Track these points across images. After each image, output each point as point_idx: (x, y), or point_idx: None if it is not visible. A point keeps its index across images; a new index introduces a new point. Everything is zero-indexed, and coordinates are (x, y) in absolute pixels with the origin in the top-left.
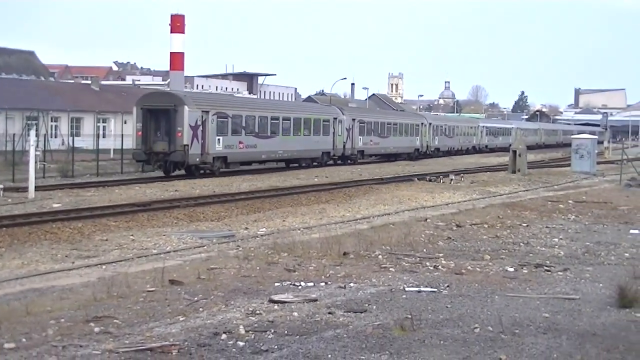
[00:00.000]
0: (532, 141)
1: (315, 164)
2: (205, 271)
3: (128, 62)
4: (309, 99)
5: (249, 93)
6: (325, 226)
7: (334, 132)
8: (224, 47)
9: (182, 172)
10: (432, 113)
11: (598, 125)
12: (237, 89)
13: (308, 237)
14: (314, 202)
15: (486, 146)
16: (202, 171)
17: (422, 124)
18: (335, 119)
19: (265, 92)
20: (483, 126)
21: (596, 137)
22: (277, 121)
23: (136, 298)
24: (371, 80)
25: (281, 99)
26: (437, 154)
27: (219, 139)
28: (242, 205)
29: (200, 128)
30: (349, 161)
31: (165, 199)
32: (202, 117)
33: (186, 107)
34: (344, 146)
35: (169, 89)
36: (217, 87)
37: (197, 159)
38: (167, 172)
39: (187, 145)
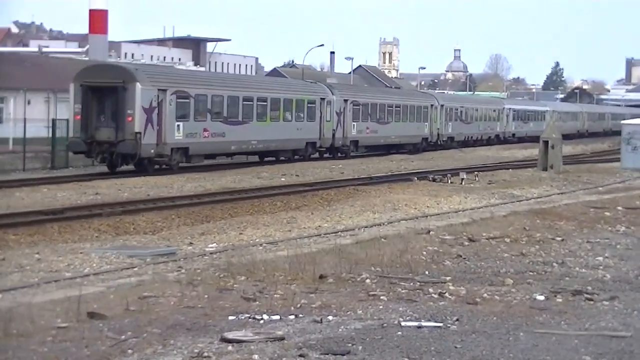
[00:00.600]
0: (572, 128)
1: (297, 157)
2: (136, 301)
3: (32, 23)
4: (275, 72)
5: (195, 64)
6: (296, 240)
7: (321, 117)
8: (161, 4)
9: (132, 167)
10: (438, 91)
11: None
12: (179, 59)
13: (273, 255)
14: (281, 208)
15: (513, 134)
16: (157, 166)
17: (431, 105)
18: (322, 99)
19: (216, 62)
20: (509, 108)
21: None
22: (251, 103)
23: (43, 337)
24: (357, 48)
25: (239, 71)
26: (450, 144)
27: (178, 126)
28: (185, 213)
29: (156, 111)
30: (339, 154)
31: (83, 205)
32: (158, 97)
33: (138, 85)
34: (334, 135)
35: (116, 62)
36: (152, 55)
37: (152, 151)
38: (112, 167)
39: (140, 133)
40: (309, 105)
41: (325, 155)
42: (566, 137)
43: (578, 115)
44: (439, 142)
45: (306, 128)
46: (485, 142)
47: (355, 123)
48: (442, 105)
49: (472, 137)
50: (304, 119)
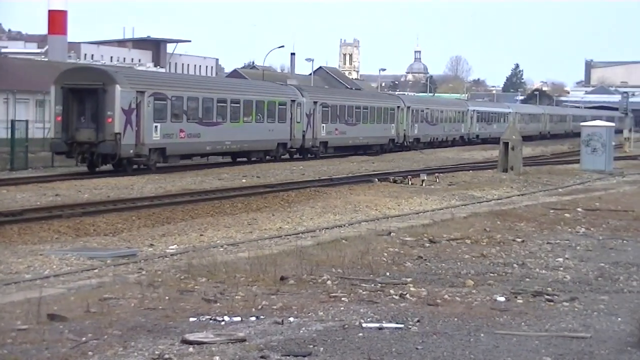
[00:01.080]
0: (535, 129)
1: (268, 157)
2: (97, 302)
3: None
4: (235, 73)
5: (155, 65)
6: (257, 242)
7: (291, 119)
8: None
9: (111, 167)
10: (398, 92)
11: (616, 109)
12: (139, 60)
13: (234, 257)
14: (242, 210)
15: (477, 136)
16: (135, 166)
17: (398, 107)
18: (293, 101)
19: (176, 64)
20: (473, 110)
21: (613, 124)
22: (225, 104)
23: (2, 339)
24: (317, 50)
25: (199, 72)
26: (416, 145)
27: (156, 127)
28: (145, 214)
29: (135, 112)
30: (309, 155)
31: (42, 207)
32: (136, 98)
33: (118, 87)
34: (304, 136)
35: (98, 64)
36: (111, 56)
37: (131, 151)
38: (92, 167)
39: (119, 133)
40: (280, 107)
41: (295, 156)
42: (528, 138)
43: (540, 117)
44: (405, 144)
45: (277, 129)
46: (450, 143)
47: (324, 124)
48: (408, 107)
49: (437, 138)
50: (276, 120)
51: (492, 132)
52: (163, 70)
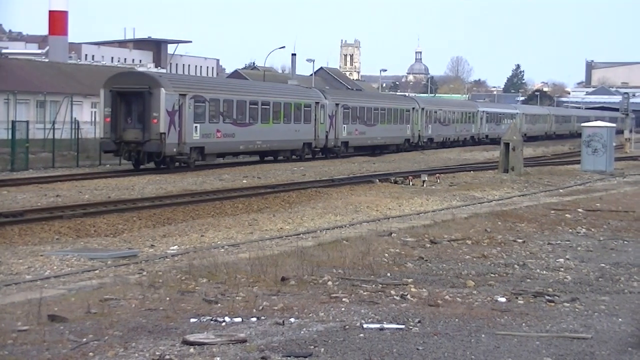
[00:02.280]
0: (541, 130)
1: (294, 157)
2: (98, 303)
3: None
4: (236, 74)
5: (156, 66)
6: (258, 243)
7: (315, 120)
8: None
9: (153, 165)
10: (399, 93)
11: (617, 110)
12: (140, 61)
13: (234, 258)
14: (243, 210)
15: (486, 136)
16: (177, 164)
17: (413, 109)
18: (317, 103)
19: (177, 64)
20: (483, 111)
21: (614, 125)
22: (256, 106)
23: (3, 340)
24: (318, 50)
25: (200, 73)
26: (430, 145)
27: (196, 127)
28: (146, 215)
29: (177, 114)
30: (330, 155)
31: (43, 207)
32: (179, 101)
33: (163, 90)
34: (327, 136)
35: (144, 69)
36: (112, 57)
37: (174, 150)
38: (137, 164)
39: (164, 133)
40: (305, 109)
41: (317, 157)
42: (534, 138)
43: (546, 118)
44: (419, 143)
45: (303, 130)
46: (461, 143)
47: (345, 125)
48: (422, 109)
49: (449, 138)
50: (301, 121)
51: (501, 133)
52: (164, 70)
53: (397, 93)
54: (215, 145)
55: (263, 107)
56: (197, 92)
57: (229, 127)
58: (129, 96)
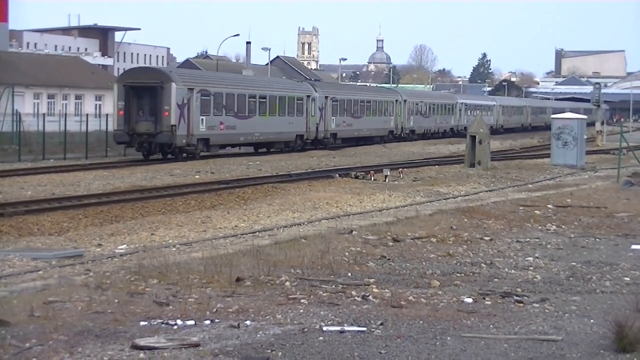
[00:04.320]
0: (517, 122)
1: (287, 149)
2: (42, 306)
3: None
4: (188, 63)
5: (103, 55)
6: (211, 241)
7: (307, 112)
8: None
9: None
10: (359, 83)
11: (587, 101)
12: (86, 49)
13: (187, 257)
14: (195, 207)
15: (465, 127)
16: (184, 154)
17: (396, 101)
18: (308, 96)
19: (125, 53)
20: (462, 103)
21: (585, 117)
22: (254, 100)
23: None
24: (274, 38)
25: (149, 62)
26: (411, 137)
27: (202, 119)
28: (93, 212)
29: (186, 107)
30: (320, 146)
31: None
32: (187, 95)
33: (174, 84)
34: (317, 128)
35: (155, 65)
36: (56, 45)
37: (184, 141)
38: (148, 155)
39: (175, 125)
40: (297, 102)
41: (306, 148)
42: (511, 130)
43: (522, 110)
44: (402, 135)
45: (296, 122)
46: (441, 134)
47: (334, 117)
48: (405, 100)
49: (430, 130)
50: (295, 114)
51: None
52: (110, 59)
53: (358, 83)
54: (219, 137)
55: (261, 100)
56: (203, 86)
57: (231, 119)
58: (142, 90)
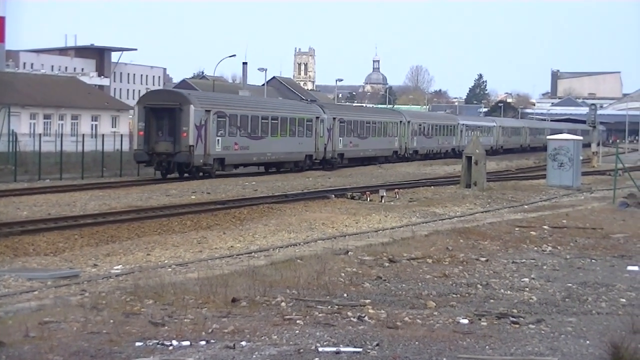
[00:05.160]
0: (516, 142)
1: (297, 168)
2: (37, 326)
3: None
4: (184, 83)
5: (99, 75)
6: (207, 262)
7: (316, 133)
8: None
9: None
10: (355, 104)
11: (583, 122)
12: (82, 69)
13: (182, 277)
14: (191, 228)
15: None
16: (201, 173)
17: (400, 122)
18: (317, 118)
19: (121, 73)
20: (463, 124)
21: (581, 137)
22: (267, 121)
23: None
24: (271, 59)
25: (145, 82)
26: (414, 157)
27: (218, 140)
28: (89, 232)
29: (204, 128)
30: (328, 166)
31: None
32: (205, 116)
33: (192, 106)
34: (325, 149)
35: (176, 89)
36: (52, 65)
37: (201, 161)
38: (166, 174)
39: (193, 145)
40: (307, 123)
41: (313, 167)
42: (510, 150)
43: (521, 131)
44: (405, 155)
45: (305, 143)
46: (443, 155)
47: (341, 138)
48: (408, 122)
49: (432, 150)
50: (304, 135)
51: None
52: (107, 80)
53: (354, 104)
54: (233, 157)
55: (273, 121)
56: (219, 108)
57: (245, 140)
58: (161, 112)
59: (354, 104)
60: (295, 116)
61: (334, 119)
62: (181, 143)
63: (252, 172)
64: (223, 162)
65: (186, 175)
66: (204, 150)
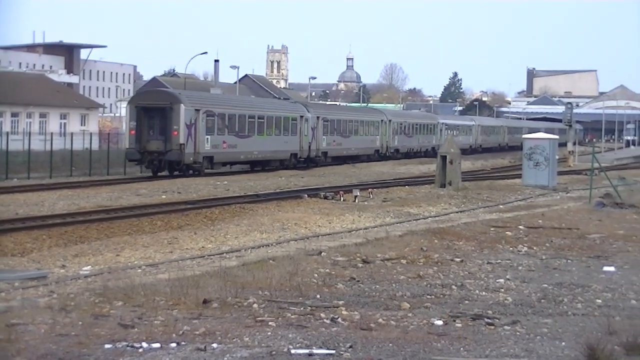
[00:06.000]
0: (495, 141)
1: (282, 167)
2: (4, 328)
3: None
4: (155, 81)
5: (68, 72)
6: (178, 263)
7: (300, 132)
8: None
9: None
10: (329, 102)
11: (559, 121)
12: (51, 67)
13: (153, 279)
14: (161, 228)
15: None
16: (191, 171)
17: (382, 121)
18: (301, 117)
19: (91, 70)
20: (443, 123)
21: (557, 137)
22: (253, 120)
23: None
24: (243, 57)
25: (115, 80)
26: (396, 155)
27: (207, 138)
28: (57, 233)
29: (194, 127)
30: (312, 164)
31: None
32: (194, 115)
33: (182, 106)
34: (309, 147)
35: (166, 89)
36: (20, 63)
37: (191, 159)
38: (157, 172)
39: (183, 144)
40: (292, 122)
41: (298, 166)
42: (489, 149)
43: (499, 130)
44: (387, 154)
45: (291, 141)
46: (423, 154)
47: (324, 137)
48: (390, 120)
49: (413, 149)
50: (289, 133)
51: (459, 143)
52: (76, 77)
53: (328, 102)
54: (222, 155)
55: (259, 120)
56: (208, 107)
57: (233, 138)
58: (152, 111)
59: (327, 103)
60: (281, 115)
61: (318, 118)
62: (172, 141)
63: (236, 171)
64: (212, 160)
65: (176, 173)
66: (194, 149)
